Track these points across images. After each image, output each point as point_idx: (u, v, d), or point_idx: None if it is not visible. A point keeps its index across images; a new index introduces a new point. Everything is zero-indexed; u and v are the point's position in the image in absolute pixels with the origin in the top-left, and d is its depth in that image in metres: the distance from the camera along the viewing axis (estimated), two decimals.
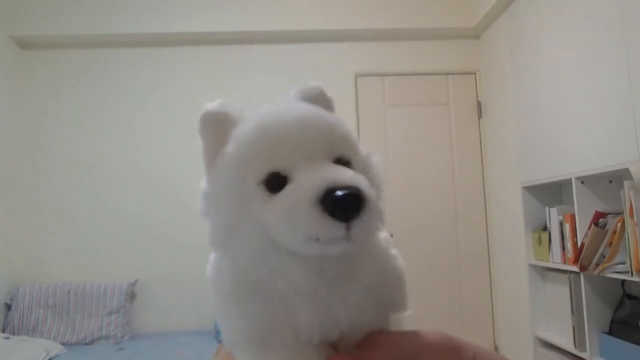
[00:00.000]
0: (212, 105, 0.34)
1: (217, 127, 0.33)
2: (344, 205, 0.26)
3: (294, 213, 0.27)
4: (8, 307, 2.75)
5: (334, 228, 0.26)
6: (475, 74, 3.22)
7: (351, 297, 0.30)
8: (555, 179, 2.28)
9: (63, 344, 2.56)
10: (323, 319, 0.30)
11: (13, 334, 2.61)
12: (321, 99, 0.36)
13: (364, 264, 0.31)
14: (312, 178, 0.28)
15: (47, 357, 2.30)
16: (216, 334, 2.64)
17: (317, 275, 0.29)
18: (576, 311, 2.09)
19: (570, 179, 2.09)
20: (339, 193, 0.26)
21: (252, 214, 0.29)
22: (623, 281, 1.92)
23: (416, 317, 0.34)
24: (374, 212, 0.28)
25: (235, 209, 0.30)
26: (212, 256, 0.34)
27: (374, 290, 0.31)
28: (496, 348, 3.02)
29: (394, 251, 0.35)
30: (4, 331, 2.65)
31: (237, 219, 0.30)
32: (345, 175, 0.28)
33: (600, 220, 1.92)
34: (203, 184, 0.33)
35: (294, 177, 0.29)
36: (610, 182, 2.04)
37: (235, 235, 0.30)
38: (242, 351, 0.32)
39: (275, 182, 0.29)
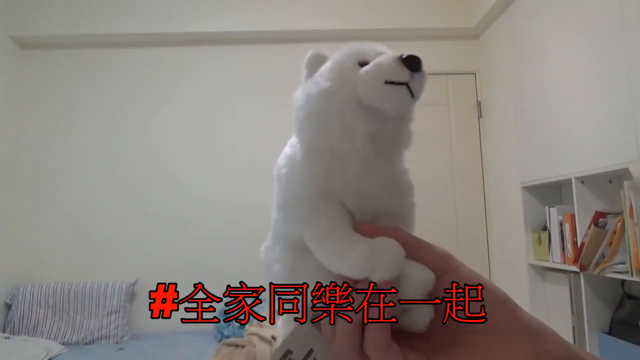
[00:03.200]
0: (315, 50, 0.47)
1: (317, 62, 0.45)
2: (412, 61, 0.39)
3: (381, 64, 0.39)
4: (8, 306, 2.75)
5: (405, 72, 0.39)
6: (475, 74, 3.22)
7: (386, 173, 0.39)
8: (555, 179, 2.28)
9: (63, 343, 2.56)
10: (365, 187, 0.38)
11: (13, 333, 2.61)
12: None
13: (399, 154, 0.41)
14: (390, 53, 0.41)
15: (48, 357, 2.30)
16: (216, 333, 2.65)
17: (372, 140, 0.38)
18: (576, 311, 2.09)
19: (570, 179, 2.09)
20: (410, 55, 0.40)
21: (347, 81, 0.40)
22: (623, 281, 1.92)
23: None
24: (425, 78, 0.40)
25: (334, 78, 0.41)
26: (286, 149, 0.43)
27: (396, 186, 0.40)
28: None
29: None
30: (4, 331, 2.65)
31: (333, 87, 0.40)
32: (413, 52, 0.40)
33: (600, 220, 1.92)
34: (299, 92, 0.43)
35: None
36: (610, 182, 2.04)
37: (329, 99, 0.39)
38: (298, 207, 0.38)
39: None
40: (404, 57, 0.39)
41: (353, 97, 0.39)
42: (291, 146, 0.43)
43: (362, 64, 0.41)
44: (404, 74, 0.38)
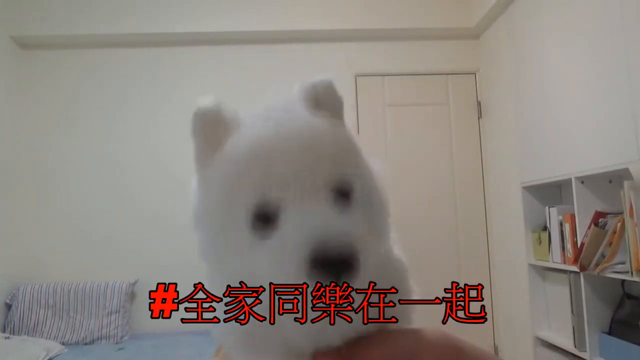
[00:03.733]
0: (204, 103, 0.31)
1: (209, 128, 0.31)
2: (333, 266, 0.26)
3: (282, 269, 0.26)
4: (8, 306, 2.75)
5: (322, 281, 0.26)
6: (475, 74, 3.22)
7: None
8: (555, 179, 2.28)
9: (63, 343, 2.56)
10: (315, 336, 0.29)
11: (13, 333, 2.61)
12: (329, 98, 0.33)
13: (364, 278, 0.30)
14: (302, 228, 0.26)
15: (47, 357, 2.30)
16: None
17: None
18: (576, 311, 2.09)
19: (570, 179, 2.09)
20: (328, 253, 0.25)
21: (239, 253, 0.28)
22: (623, 281, 1.92)
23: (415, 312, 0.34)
24: (365, 268, 0.27)
25: (222, 238, 0.29)
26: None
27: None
28: (496, 348, 3.02)
29: (396, 252, 0.34)
30: (4, 331, 2.65)
31: (223, 247, 0.29)
32: (338, 228, 0.27)
33: (600, 220, 1.92)
34: (193, 189, 0.32)
35: (284, 216, 0.27)
36: (610, 182, 2.04)
37: (222, 258, 0.30)
38: (232, 350, 0.31)
39: (265, 219, 0.28)
40: (320, 258, 0.25)
41: (249, 273, 0.29)
42: None
43: (258, 216, 0.28)
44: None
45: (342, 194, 0.29)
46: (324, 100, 0.33)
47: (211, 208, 0.30)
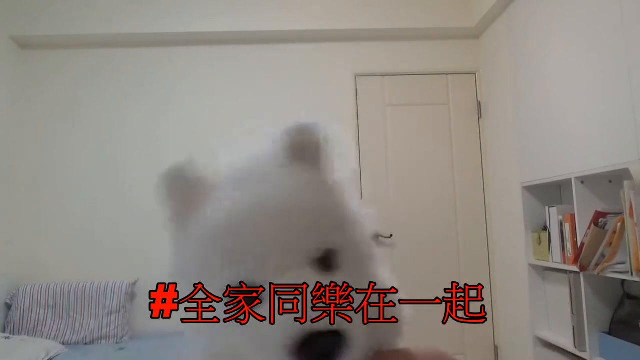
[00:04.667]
0: (178, 162, 0.31)
1: (183, 188, 0.30)
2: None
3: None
4: (8, 306, 2.75)
5: None
6: (475, 74, 3.22)
7: None
8: (555, 179, 2.28)
9: (63, 343, 2.56)
10: None
11: (13, 333, 2.61)
12: (306, 143, 0.33)
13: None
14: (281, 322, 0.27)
15: (48, 357, 2.30)
16: None
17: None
18: (576, 311, 2.09)
19: (570, 179, 2.09)
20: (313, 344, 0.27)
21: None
22: (623, 281, 1.92)
23: (415, 313, 0.34)
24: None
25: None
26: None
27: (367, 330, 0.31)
28: (496, 348, 3.02)
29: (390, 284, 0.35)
30: (4, 331, 2.65)
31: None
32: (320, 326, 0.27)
33: (600, 220, 1.92)
34: (170, 246, 0.32)
35: (263, 296, 0.28)
36: (610, 182, 2.04)
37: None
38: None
39: (243, 292, 0.28)
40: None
41: None
42: None
43: (238, 285, 0.29)
44: None
45: (325, 261, 0.30)
46: (301, 148, 0.33)
47: (188, 272, 0.30)
